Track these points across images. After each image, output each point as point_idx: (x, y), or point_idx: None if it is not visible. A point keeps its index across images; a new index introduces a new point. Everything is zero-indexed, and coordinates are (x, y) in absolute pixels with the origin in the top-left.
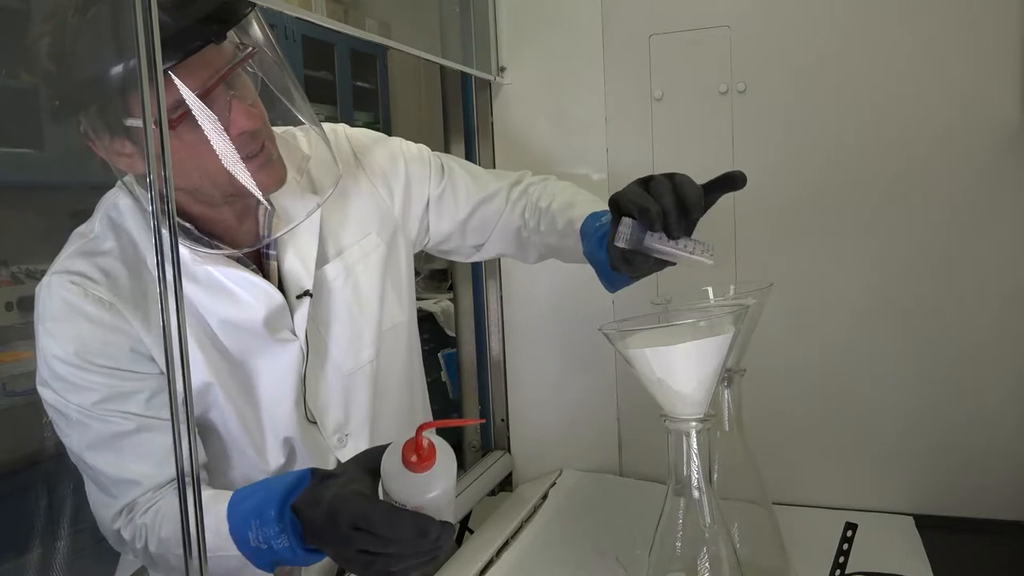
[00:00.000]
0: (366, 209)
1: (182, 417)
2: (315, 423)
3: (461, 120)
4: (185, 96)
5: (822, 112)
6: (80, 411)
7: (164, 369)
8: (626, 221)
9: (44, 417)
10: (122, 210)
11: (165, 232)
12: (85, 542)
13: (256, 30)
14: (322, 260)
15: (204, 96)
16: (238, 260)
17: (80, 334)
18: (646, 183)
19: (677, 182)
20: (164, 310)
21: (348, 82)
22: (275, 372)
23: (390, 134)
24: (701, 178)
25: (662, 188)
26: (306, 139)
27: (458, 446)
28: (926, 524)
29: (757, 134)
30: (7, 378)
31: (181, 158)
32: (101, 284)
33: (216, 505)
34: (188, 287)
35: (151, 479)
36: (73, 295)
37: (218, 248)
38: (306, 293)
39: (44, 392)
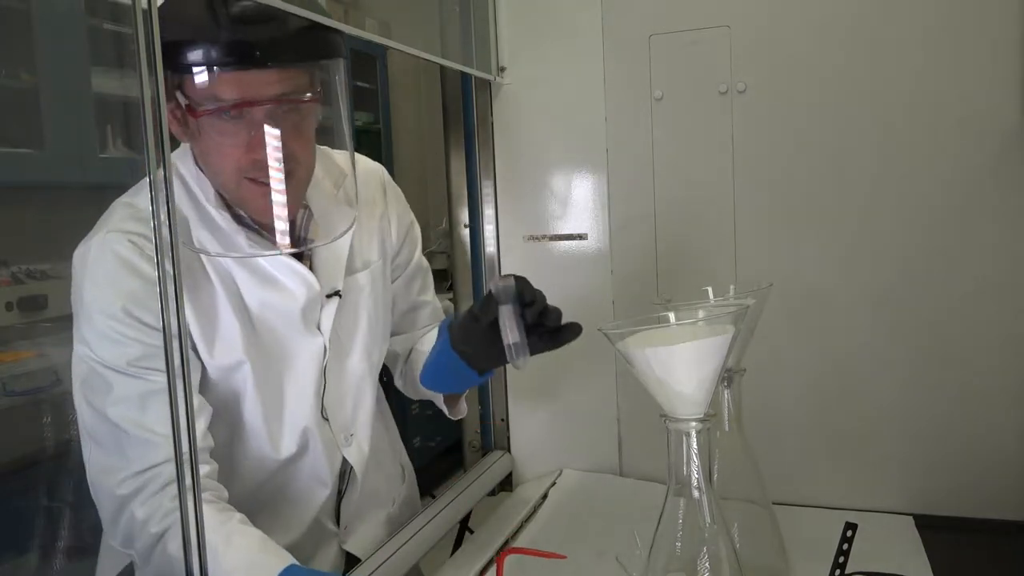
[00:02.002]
0: (382, 238)
1: (182, 408)
2: (327, 420)
3: (461, 120)
4: (216, 98)
5: (822, 112)
6: (114, 369)
7: (168, 353)
8: (510, 279)
9: (44, 417)
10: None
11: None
12: (85, 542)
13: (327, 79)
14: (353, 268)
15: (231, 108)
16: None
17: (132, 290)
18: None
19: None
20: (164, 308)
21: (348, 82)
22: (301, 364)
23: (390, 134)
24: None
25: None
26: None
27: (458, 446)
28: (926, 524)
29: (757, 134)
30: (7, 378)
31: (204, 147)
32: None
33: (265, 555)
34: (233, 268)
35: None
36: (129, 252)
37: (265, 239)
38: (336, 293)
39: (80, 349)
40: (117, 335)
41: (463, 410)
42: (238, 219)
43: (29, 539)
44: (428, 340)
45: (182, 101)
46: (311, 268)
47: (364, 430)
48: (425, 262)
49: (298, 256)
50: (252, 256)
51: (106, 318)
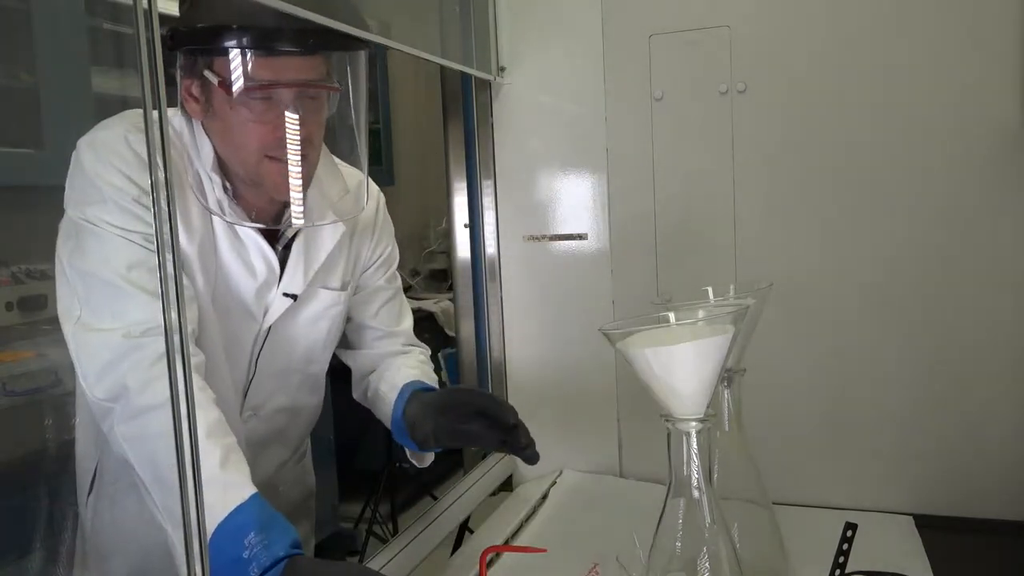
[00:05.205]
0: (357, 262)
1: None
2: (245, 396)
3: (461, 120)
4: (250, 75)
5: (822, 112)
6: (118, 234)
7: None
8: None
9: (44, 417)
10: (174, 124)
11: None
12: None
13: (352, 74)
14: (326, 282)
15: (263, 88)
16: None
17: (130, 168)
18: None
19: None
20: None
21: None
22: (239, 342)
23: (390, 134)
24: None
25: None
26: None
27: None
28: (926, 524)
29: (757, 134)
30: (7, 378)
31: (228, 125)
32: None
33: (242, 480)
34: (217, 222)
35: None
36: (136, 144)
37: (246, 221)
38: (293, 296)
39: (75, 213)
40: (129, 212)
41: (426, 460)
42: (228, 190)
43: (28, 539)
44: (389, 380)
45: (213, 79)
46: (281, 264)
47: (269, 419)
48: (393, 289)
49: (272, 246)
50: (253, 227)
51: (119, 195)
